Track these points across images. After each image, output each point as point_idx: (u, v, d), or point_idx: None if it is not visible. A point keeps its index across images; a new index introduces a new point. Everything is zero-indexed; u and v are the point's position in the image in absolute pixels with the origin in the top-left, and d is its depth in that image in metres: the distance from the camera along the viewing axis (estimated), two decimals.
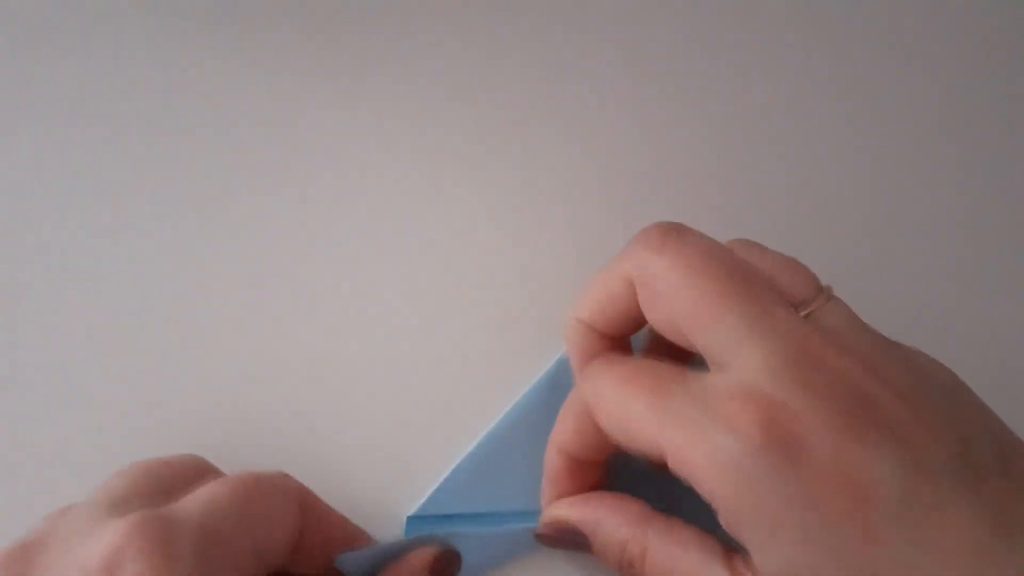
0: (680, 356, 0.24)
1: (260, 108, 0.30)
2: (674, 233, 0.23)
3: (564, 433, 0.24)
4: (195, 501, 0.21)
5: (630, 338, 0.26)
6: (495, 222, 0.30)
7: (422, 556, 0.24)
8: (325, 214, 0.29)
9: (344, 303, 0.29)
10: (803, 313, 0.22)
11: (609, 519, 0.23)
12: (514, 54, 0.32)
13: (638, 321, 0.24)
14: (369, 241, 0.29)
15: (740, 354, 0.20)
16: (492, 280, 0.29)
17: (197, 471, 0.23)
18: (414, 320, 0.29)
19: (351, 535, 0.24)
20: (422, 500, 0.26)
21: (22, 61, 0.30)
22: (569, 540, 0.24)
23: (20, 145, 0.29)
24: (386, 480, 0.27)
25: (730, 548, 0.21)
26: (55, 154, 0.29)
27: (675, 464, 0.21)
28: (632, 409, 0.22)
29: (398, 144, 0.30)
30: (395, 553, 0.25)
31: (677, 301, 0.22)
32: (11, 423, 0.27)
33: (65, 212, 0.29)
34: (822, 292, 0.22)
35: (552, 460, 0.25)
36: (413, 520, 0.26)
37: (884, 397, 0.20)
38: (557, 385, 0.27)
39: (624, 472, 0.25)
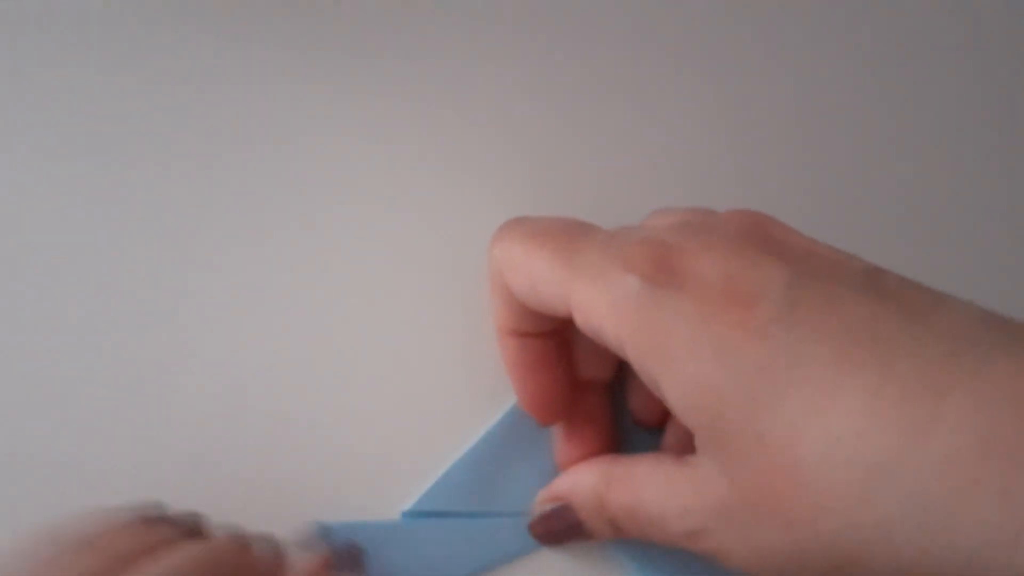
0: None
1: (256, 108, 0.30)
2: (512, 221, 0.24)
3: (495, 311, 0.25)
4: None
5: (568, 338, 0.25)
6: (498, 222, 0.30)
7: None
8: (321, 212, 0.29)
9: (341, 298, 0.28)
10: None
11: (582, 474, 0.24)
12: (514, 52, 0.31)
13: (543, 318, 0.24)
14: (369, 239, 0.29)
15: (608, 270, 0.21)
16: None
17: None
18: (417, 316, 0.28)
19: None
20: (418, 496, 0.26)
21: (17, 60, 0.30)
22: (560, 522, 0.24)
23: (14, 144, 0.29)
24: (382, 474, 0.27)
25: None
26: (49, 152, 0.29)
27: (582, 317, 0.21)
28: (539, 266, 0.22)
29: (398, 144, 0.30)
30: (382, 533, 0.25)
31: (522, 268, 0.22)
32: (9, 421, 0.27)
33: (56, 210, 0.29)
34: None
35: (503, 347, 0.25)
36: (408, 516, 0.26)
37: (769, 241, 0.21)
38: None
39: None
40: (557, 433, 0.26)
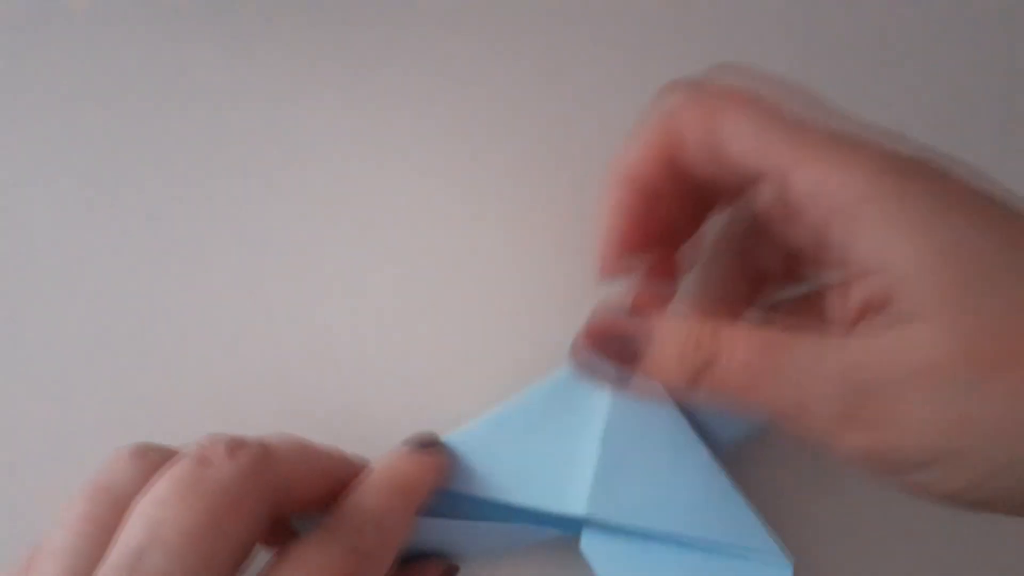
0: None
1: (256, 107, 0.30)
2: (695, 82, 0.23)
3: (632, 156, 0.23)
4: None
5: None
6: (501, 219, 0.30)
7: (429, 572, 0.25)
8: (326, 207, 0.30)
9: (346, 297, 0.29)
10: None
11: (675, 318, 0.22)
12: (514, 52, 0.31)
13: (679, 178, 0.23)
14: (374, 236, 0.29)
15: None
16: (499, 279, 0.29)
17: None
18: (423, 308, 0.29)
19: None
20: None
21: (17, 59, 0.30)
22: (618, 344, 0.22)
23: (14, 143, 0.29)
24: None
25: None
26: (50, 151, 0.29)
27: (803, 183, 0.21)
28: (764, 129, 0.21)
29: (402, 142, 0.30)
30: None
31: (728, 119, 0.22)
32: (10, 420, 0.27)
33: (60, 209, 0.29)
34: None
35: (613, 190, 0.24)
36: None
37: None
38: (568, 385, 0.26)
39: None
40: (632, 284, 0.26)
